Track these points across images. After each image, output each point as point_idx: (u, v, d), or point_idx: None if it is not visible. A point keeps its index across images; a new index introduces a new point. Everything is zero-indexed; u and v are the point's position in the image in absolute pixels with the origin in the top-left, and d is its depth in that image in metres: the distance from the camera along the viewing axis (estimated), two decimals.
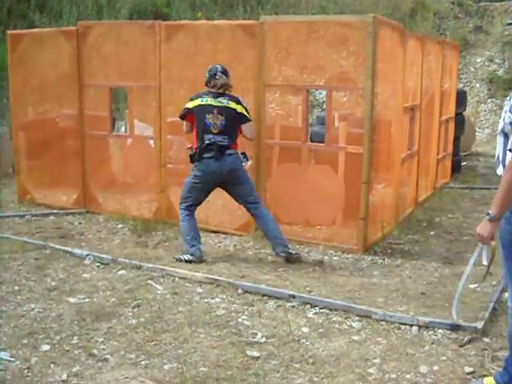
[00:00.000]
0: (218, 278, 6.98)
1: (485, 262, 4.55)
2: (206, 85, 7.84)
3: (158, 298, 6.54)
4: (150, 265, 7.42)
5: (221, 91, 7.76)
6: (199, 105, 7.74)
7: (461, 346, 5.47)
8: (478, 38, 20.96)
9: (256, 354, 5.32)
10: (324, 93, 17.22)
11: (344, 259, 7.89)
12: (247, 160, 7.96)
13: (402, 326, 5.85)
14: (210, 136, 7.66)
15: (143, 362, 5.19)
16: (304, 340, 5.60)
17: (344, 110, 11.62)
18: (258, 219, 8.01)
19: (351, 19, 8.73)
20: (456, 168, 13.17)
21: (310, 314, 6.15)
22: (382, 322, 5.93)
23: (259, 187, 8.53)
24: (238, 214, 9.13)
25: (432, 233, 8.99)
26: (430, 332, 5.74)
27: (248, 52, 8.61)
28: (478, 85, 19.90)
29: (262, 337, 5.65)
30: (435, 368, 5.10)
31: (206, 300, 6.49)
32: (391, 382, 4.89)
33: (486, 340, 5.58)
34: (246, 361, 5.21)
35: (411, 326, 5.83)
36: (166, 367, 5.10)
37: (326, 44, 8.66)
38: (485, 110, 19.32)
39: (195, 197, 7.93)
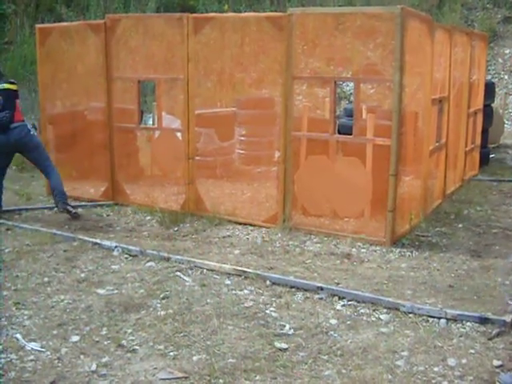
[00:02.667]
0: (246, 269, 6.99)
1: None
2: None
3: (187, 289, 6.57)
4: (178, 256, 7.45)
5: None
6: None
7: (489, 339, 5.46)
8: (506, 29, 20.78)
9: (284, 345, 5.34)
10: (351, 85, 17.26)
11: (372, 251, 7.88)
12: (35, 129, 9.62)
13: (430, 319, 5.84)
14: None
15: (172, 353, 5.22)
16: (332, 332, 5.61)
17: (371, 102, 11.57)
18: (50, 178, 9.48)
19: (379, 11, 8.67)
20: (484, 160, 13.08)
21: (338, 306, 6.16)
22: (410, 315, 5.92)
23: (287, 179, 8.54)
24: (265, 205, 9.16)
25: (460, 225, 8.94)
26: (459, 325, 5.73)
27: (275, 44, 8.61)
28: (506, 76, 19.73)
29: (290, 328, 5.66)
30: (463, 361, 5.09)
31: (234, 292, 6.51)
32: (419, 375, 4.88)
33: None
34: (274, 352, 5.23)
35: (439, 318, 5.82)
36: (194, 358, 5.13)
37: (353, 36, 8.64)
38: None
39: None
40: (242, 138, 12.34)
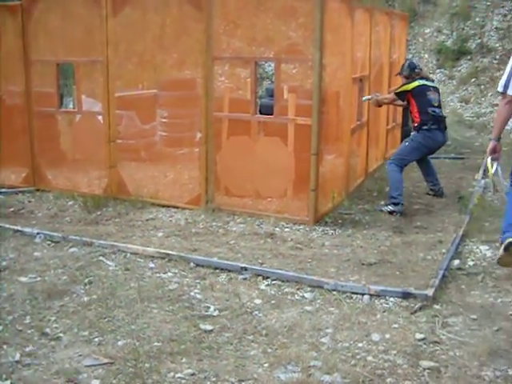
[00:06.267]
0: (169, 252, 6.96)
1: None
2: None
3: (110, 274, 6.50)
4: (101, 241, 7.37)
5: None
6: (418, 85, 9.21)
7: (412, 314, 5.55)
8: (426, 8, 21.01)
9: (209, 327, 5.33)
10: (273, 65, 17.26)
11: (295, 231, 7.92)
12: None
13: (354, 296, 5.91)
14: (434, 109, 9.08)
15: (96, 339, 5.16)
16: (257, 312, 5.62)
17: (293, 82, 11.62)
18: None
19: None
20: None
21: (262, 286, 6.18)
22: (334, 292, 5.98)
23: (209, 160, 8.53)
24: (188, 187, 9.14)
25: (382, 202, 9.04)
26: (382, 300, 5.81)
27: (196, 25, 8.55)
28: (426, 55, 19.98)
29: (214, 310, 5.65)
30: (387, 336, 5.16)
31: (158, 275, 6.47)
32: (344, 351, 4.93)
33: (437, 307, 5.66)
34: (200, 334, 5.22)
35: (363, 294, 5.90)
36: (119, 343, 5.08)
37: (275, 16, 8.65)
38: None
39: (412, 158, 9.30)
40: (164, 120, 12.28)
